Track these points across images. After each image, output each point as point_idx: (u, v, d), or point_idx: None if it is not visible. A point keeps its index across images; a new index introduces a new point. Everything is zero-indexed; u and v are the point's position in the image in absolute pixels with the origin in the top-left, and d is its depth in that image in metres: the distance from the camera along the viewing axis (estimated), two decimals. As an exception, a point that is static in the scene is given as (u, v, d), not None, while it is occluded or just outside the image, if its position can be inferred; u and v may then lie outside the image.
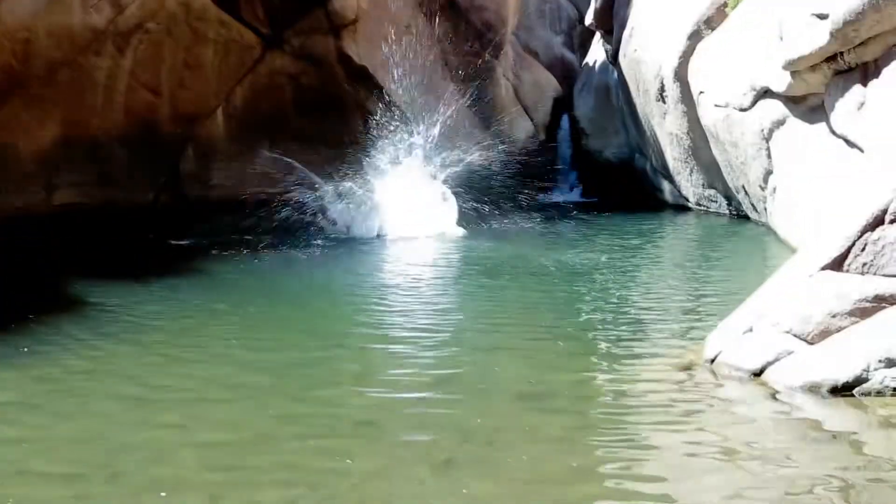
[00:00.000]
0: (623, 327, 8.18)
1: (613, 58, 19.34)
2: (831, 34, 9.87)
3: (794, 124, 11.97)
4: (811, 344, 6.14)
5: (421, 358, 7.20)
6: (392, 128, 14.65)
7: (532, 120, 21.43)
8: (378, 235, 13.89)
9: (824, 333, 6.12)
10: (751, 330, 6.49)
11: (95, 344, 7.55)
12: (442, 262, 12.41)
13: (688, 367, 6.63)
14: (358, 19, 16.84)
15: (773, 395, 5.93)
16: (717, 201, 16.10)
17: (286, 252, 12.33)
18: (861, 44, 9.72)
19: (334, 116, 16.78)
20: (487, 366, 6.99)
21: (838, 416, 5.60)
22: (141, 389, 6.35)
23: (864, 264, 6.29)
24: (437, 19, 18.69)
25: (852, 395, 5.75)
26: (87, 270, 10.93)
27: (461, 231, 14.29)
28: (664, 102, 16.15)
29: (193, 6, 15.06)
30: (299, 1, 15.82)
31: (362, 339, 7.89)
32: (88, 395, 6.27)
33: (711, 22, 14.87)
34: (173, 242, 13.00)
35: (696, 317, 8.47)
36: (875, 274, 6.24)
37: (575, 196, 20.15)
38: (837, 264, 6.39)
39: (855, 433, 5.38)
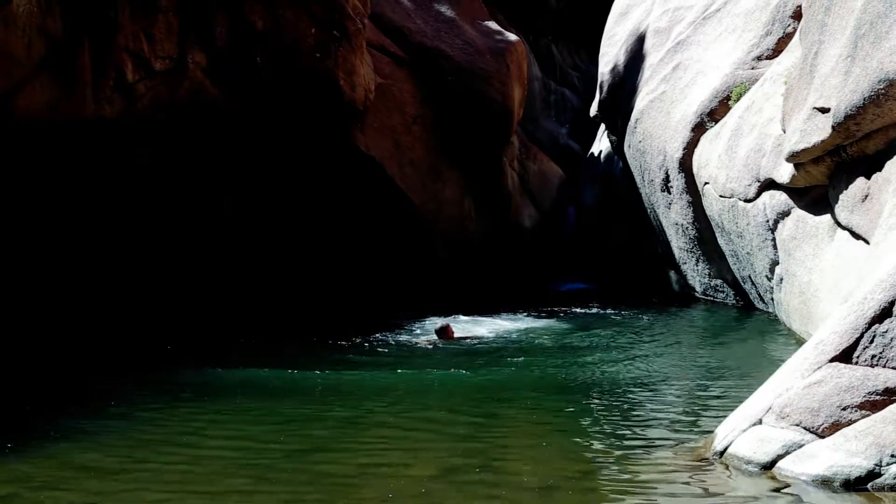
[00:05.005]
0: (630, 419, 8.10)
1: (618, 148, 19.63)
2: (833, 128, 10.05)
3: (799, 215, 12.06)
4: (821, 437, 6.08)
5: (424, 447, 7.15)
6: None
7: (538, 208, 21.64)
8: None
9: (835, 427, 6.06)
10: (760, 422, 6.43)
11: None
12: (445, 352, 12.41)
13: (696, 460, 6.56)
14: (367, 110, 17.17)
15: (785, 490, 5.84)
16: (723, 291, 16.11)
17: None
18: (863, 137, 9.89)
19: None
20: (490, 458, 6.92)
21: (852, 512, 5.50)
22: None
23: (874, 356, 6.27)
24: (443, 110, 19.04)
25: (866, 490, 5.67)
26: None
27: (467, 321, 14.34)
28: (669, 192, 16.33)
29: (205, 96, 15.43)
30: (310, 93, 16.18)
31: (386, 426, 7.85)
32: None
33: (715, 114, 15.12)
34: None
35: (705, 409, 8.40)
36: (885, 366, 6.21)
37: (581, 285, 20.17)
38: (846, 356, 6.36)
39: (870, 531, 5.29)
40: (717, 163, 14.25)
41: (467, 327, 13.95)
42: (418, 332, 13.72)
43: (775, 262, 12.94)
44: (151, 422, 8.07)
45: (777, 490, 5.86)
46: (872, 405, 6.03)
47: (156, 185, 15.55)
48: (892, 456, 5.71)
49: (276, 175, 16.74)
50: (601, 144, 22.86)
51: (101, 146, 14.57)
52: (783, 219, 12.46)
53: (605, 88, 20.31)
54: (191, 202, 16.08)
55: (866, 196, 10.02)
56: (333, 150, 16.99)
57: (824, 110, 10.33)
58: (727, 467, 6.33)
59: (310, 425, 8.04)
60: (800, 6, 13.79)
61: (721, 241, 14.88)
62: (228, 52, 15.38)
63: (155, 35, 14.43)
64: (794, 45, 13.37)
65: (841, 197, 10.59)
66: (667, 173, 16.22)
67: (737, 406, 6.97)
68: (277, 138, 16.45)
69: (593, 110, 22.17)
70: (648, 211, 17.99)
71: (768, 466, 6.12)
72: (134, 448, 7.21)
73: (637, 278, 19.01)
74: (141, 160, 15.23)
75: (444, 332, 13.05)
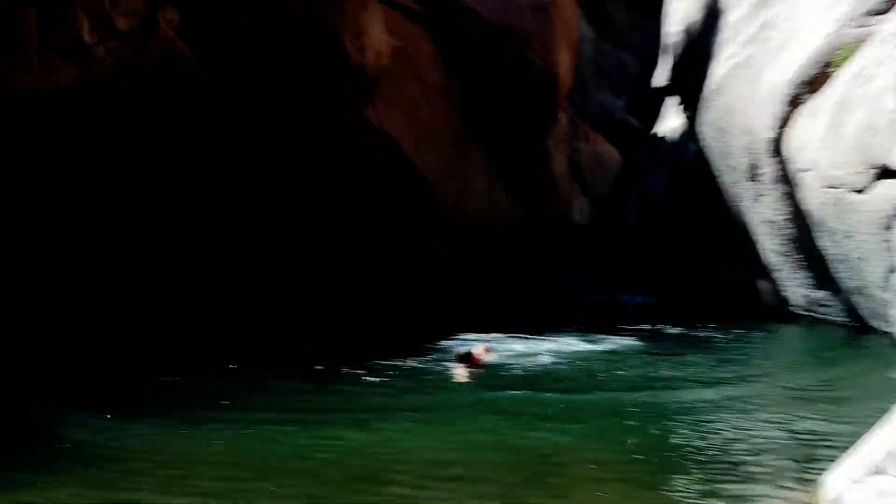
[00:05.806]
0: (718, 465, 8.16)
1: (691, 126, 19.56)
2: (968, 97, 9.86)
3: (925, 210, 12.00)
4: (963, 492, 5.90)
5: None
6: None
7: (590, 199, 21.62)
8: None
9: (979, 479, 5.90)
10: (880, 472, 6.29)
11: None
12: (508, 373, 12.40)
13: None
14: (379, 78, 17.19)
15: (915, 560, 5.70)
16: (829, 306, 15.87)
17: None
18: None
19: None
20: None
21: None
22: None
23: None
24: (470, 79, 19.02)
25: None
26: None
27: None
28: (757, 182, 16.19)
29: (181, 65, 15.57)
30: (310, 57, 16.21)
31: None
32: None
33: (814, 84, 14.98)
34: None
35: (809, 453, 8.43)
36: None
37: (642, 297, 20.05)
38: None
39: None
40: (818, 145, 14.14)
41: (506, 347, 13.85)
42: (434, 357, 13.29)
43: (893, 270, 12.88)
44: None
45: (905, 560, 5.76)
46: None
47: (155, 185, 16.45)
48: None
49: (278, 163, 17.22)
50: (668, 121, 22.86)
51: (58, 120, 14.87)
52: (903, 214, 12.37)
53: (673, 52, 20.28)
54: (189, 201, 16.90)
55: None
56: (338, 129, 17.13)
57: (958, 74, 10.14)
58: (838, 528, 6.24)
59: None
60: (923, -55, 13.68)
61: (824, 243, 14.73)
62: (209, 7, 15.43)
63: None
64: (917, -5, 13.26)
65: (980, 186, 10.45)
66: (754, 158, 16.06)
67: (850, 451, 6.88)
68: (274, 117, 16.64)
69: (658, 79, 22.10)
70: (731, 204, 17.88)
71: (893, 528, 5.98)
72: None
73: (719, 287, 18.89)
74: (141, 160, 16.03)
75: (467, 358, 12.31)
